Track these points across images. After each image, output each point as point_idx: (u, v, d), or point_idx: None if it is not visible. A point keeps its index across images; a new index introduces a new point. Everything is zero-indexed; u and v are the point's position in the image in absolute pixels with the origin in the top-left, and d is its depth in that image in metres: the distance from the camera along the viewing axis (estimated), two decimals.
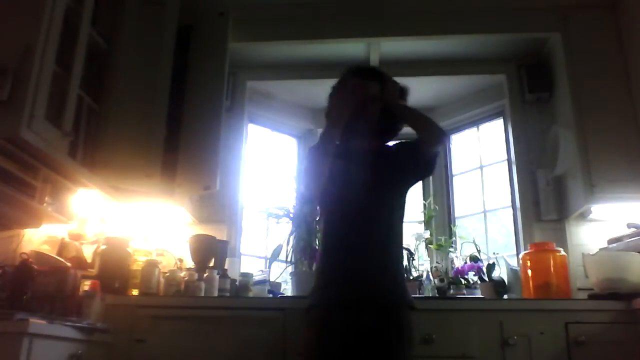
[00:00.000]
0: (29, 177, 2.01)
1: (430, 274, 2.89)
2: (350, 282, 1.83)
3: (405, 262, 2.93)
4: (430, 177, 3.58)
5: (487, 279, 2.80)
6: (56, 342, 1.76)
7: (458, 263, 3.03)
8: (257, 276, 2.80)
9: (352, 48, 3.33)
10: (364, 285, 1.83)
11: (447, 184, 3.60)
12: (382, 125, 2.02)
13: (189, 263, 2.79)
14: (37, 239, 2.37)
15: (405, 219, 2.04)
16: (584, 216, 2.91)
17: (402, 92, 2.10)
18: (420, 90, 3.57)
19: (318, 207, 2.16)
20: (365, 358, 1.78)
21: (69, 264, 2.29)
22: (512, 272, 2.81)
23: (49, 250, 2.40)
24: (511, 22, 3.12)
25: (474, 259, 2.92)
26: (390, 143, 2.14)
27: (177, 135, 2.87)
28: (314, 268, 2.66)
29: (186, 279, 2.53)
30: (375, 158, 2.01)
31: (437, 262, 3.17)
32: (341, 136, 1.97)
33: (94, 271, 2.45)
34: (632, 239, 2.55)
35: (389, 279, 1.88)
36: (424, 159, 1.98)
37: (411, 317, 1.86)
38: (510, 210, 3.28)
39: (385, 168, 1.98)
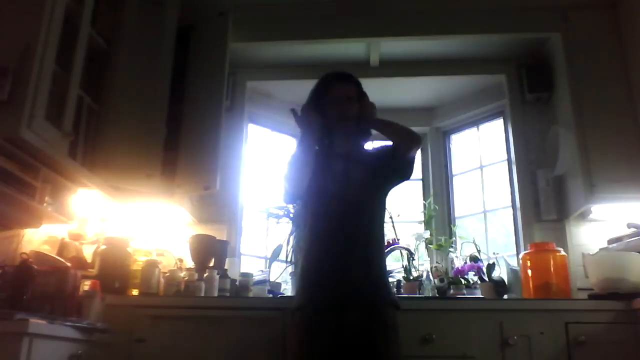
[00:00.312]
0: (29, 177, 2.01)
1: (430, 274, 2.89)
2: (335, 283, 1.86)
3: (405, 262, 2.95)
4: (430, 177, 3.60)
5: (487, 279, 2.80)
6: (56, 342, 1.76)
7: (458, 263, 3.03)
8: (257, 276, 2.80)
9: (352, 48, 3.33)
10: (348, 285, 1.85)
11: (447, 184, 3.60)
12: (358, 127, 2.08)
13: (189, 263, 2.79)
14: (37, 239, 2.37)
15: (385, 225, 2.09)
16: (584, 216, 2.91)
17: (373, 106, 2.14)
18: (420, 90, 3.59)
19: (301, 207, 2.17)
20: (353, 357, 1.80)
21: (69, 264, 2.28)
22: (512, 272, 2.81)
23: (49, 250, 2.40)
24: (511, 22, 3.12)
25: (474, 259, 2.92)
26: (369, 146, 2.18)
27: (177, 135, 2.87)
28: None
29: (186, 279, 2.53)
30: (355, 160, 2.05)
31: (437, 262, 3.17)
32: (321, 138, 2.05)
33: (94, 271, 2.46)
34: (632, 239, 2.55)
35: (372, 279, 1.90)
36: (401, 163, 2.04)
37: (396, 316, 1.89)
38: (510, 210, 3.28)
39: (366, 171, 2.02)
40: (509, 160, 3.34)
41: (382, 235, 2.04)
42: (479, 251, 2.98)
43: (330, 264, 1.89)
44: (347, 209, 1.94)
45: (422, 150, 3.73)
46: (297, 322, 1.90)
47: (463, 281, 2.89)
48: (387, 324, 1.84)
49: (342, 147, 2.07)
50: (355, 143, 2.11)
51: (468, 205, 3.53)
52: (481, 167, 3.53)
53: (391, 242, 2.96)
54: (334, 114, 2.02)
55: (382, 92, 3.57)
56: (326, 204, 1.97)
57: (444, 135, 3.71)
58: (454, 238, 3.32)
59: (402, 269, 2.95)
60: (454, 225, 3.45)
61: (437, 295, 2.80)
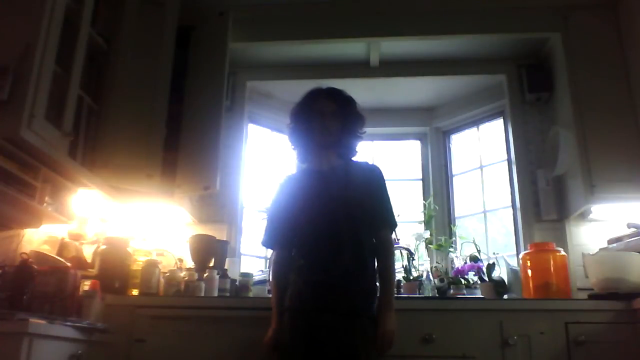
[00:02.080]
0: (29, 177, 2.01)
1: (430, 274, 2.89)
2: (314, 291, 1.90)
3: (405, 262, 2.95)
4: (430, 177, 3.60)
5: (487, 279, 2.80)
6: (56, 342, 1.76)
7: (458, 263, 3.03)
8: (257, 276, 2.81)
9: (352, 48, 3.33)
10: (327, 295, 1.88)
11: (447, 184, 3.60)
12: (341, 141, 2.11)
13: (189, 263, 2.79)
14: (37, 239, 2.37)
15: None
16: (584, 216, 2.91)
17: (362, 120, 2.17)
18: (420, 90, 3.59)
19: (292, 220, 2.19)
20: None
21: (69, 264, 2.29)
22: (512, 272, 2.81)
23: (49, 250, 2.40)
24: (511, 22, 3.12)
25: (474, 259, 2.92)
26: (357, 158, 2.18)
27: (177, 135, 2.87)
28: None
29: (186, 279, 2.53)
30: (343, 175, 2.06)
31: (437, 262, 3.17)
32: (308, 153, 2.12)
33: (94, 271, 2.46)
34: (632, 239, 2.55)
35: (351, 290, 1.90)
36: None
37: (373, 329, 1.89)
38: (510, 210, 3.28)
39: (353, 189, 2.02)
40: (509, 160, 3.34)
41: (369, 249, 2.00)
42: (479, 251, 2.97)
43: (315, 275, 1.91)
44: (332, 224, 1.95)
45: (422, 150, 3.74)
46: (284, 323, 1.94)
47: (463, 281, 2.89)
48: (364, 332, 1.85)
49: (327, 163, 2.09)
50: (340, 158, 2.12)
51: (468, 205, 3.53)
52: (481, 167, 3.53)
53: None
54: (317, 126, 2.07)
55: (382, 92, 3.58)
56: (312, 218, 1.98)
57: (444, 135, 3.71)
58: (454, 238, 3.32)
59: (402, 269, 2.94)
60: (454, 225, 3.45)
61: (437, 295, 2.80)
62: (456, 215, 3.53)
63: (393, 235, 2.13)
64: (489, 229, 3.40)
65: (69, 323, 1.85)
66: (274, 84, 3.53)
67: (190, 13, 3.02)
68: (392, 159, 3.76)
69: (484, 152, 3.55)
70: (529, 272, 2.61)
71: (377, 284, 2.05)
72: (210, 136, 2.87)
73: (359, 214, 1.98)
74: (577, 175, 2.81)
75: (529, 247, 2.74)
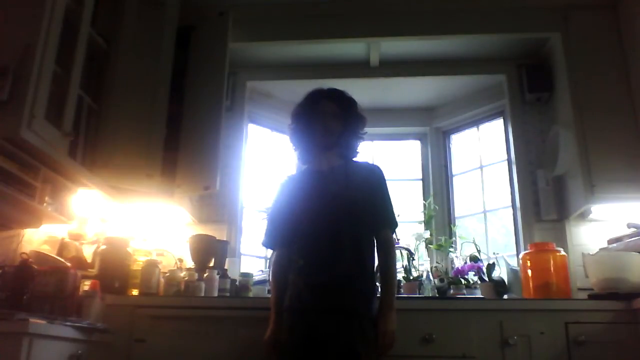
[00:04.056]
0: (29, 177, 2.01)
1: (430, 274, 2.89)
2: (316, 291, 1.89)
3: (405, 262, 2.95)
4: (430, 177, 3.60)
5: (487, 279, 2.80)
6: (56, 342, 1.76)
7: (458, 263, 3.03)
8: (257, 276, 2.81)
9: (352, 48, 3.33)
10: (327, 296, 1.88)
11: (447, 184, 3.60)
12: (343, 142, 2.11)
13: (189, 263, 2.79)
14: (37, 239, 2.37)
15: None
16: (584, 216, 2.91)
17: (363, 121, 2.17)
18: (420, 90, 3.59)
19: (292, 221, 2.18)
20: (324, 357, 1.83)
21: (69, 264, 2.29)
22: (512, 272, 2.81)
23: (49, 250, 2.40)
24: (511, 22, 3.13)
25: (474, 259, 2.92)
26: (357, 158, 2.18)
27: (177, 135, 2.87)
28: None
29: (186, 279, 2.53)
30: (343, 175, 2.06)
31: (437, 262, 3.17)
32: (309, 154, 2.13)
33: (94, 271, 2.46)
34: (632, 239, 2.55)
35: (353, 291, 1.90)
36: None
37: (372, 329, 1.89)
38: (510, 210, 3.28)
39: (354, 189, 2.02)
40: (509, 160, 3.34)
41: (368, 249, 2.00)
42: (479, 251, 2.98)
43: (313, 275, 1.91)
44: (332, 224, 1.95)
45: (422, 150, 3.74)
46: (283, 323, 1.94)
47: (463, 281, 2.89)
48: (363, 332, 1.85)
49: (327, 163, 2.09)
50: (341, 158, 2.12)
51: (468, 205, 3.53)
52: (481, 167, 3.53)
53: None
54: (318, 127, 2.07)
55: (382, 92, 3.58)
56: (312, 219, 1.98)
57: (444, 135, 3.71)
58: (454, 238, 3.32)
59: (402, 269, 2.94)
60: (454, 225, 3.45)
61: (437, 295, 2.80)
62: (456, 215, 3.53)
63: (394, 235, 2.13)
64: (489, 229, 3.40)
65: (69, 323, 1.85)
66: (274, 84, 3.53)
67: (190, 13, 3.02)
68: (392, 159, 3.76)
69: (484, 152, 3.55)
70: (529, 272, 2.61)
71: (377, 284, 2.06)
72: (210, 136, 2.87)
73: (359, 214, 1.98)
74: (577, 175, 2.81)
75: (529, 247, 2.74)
